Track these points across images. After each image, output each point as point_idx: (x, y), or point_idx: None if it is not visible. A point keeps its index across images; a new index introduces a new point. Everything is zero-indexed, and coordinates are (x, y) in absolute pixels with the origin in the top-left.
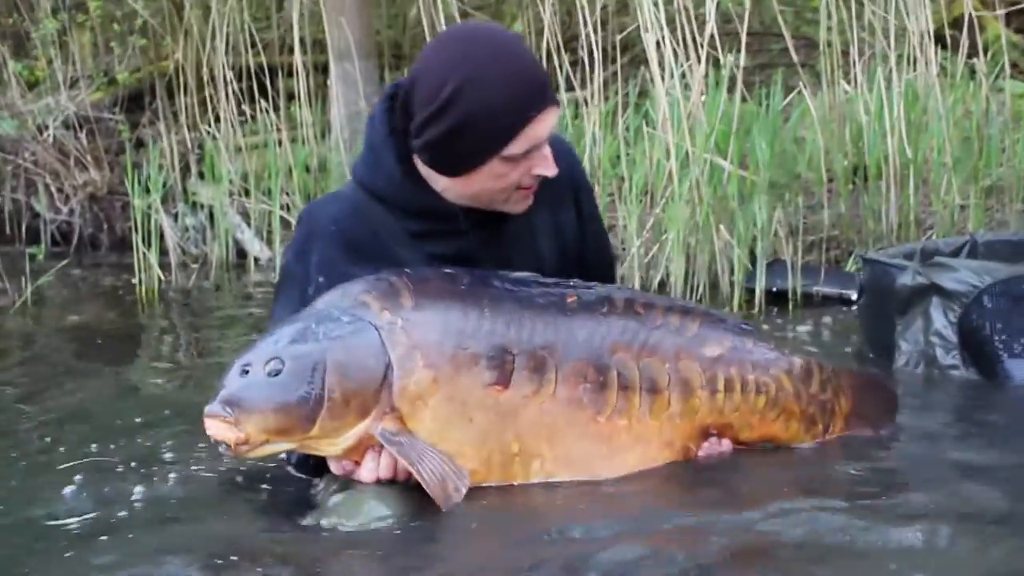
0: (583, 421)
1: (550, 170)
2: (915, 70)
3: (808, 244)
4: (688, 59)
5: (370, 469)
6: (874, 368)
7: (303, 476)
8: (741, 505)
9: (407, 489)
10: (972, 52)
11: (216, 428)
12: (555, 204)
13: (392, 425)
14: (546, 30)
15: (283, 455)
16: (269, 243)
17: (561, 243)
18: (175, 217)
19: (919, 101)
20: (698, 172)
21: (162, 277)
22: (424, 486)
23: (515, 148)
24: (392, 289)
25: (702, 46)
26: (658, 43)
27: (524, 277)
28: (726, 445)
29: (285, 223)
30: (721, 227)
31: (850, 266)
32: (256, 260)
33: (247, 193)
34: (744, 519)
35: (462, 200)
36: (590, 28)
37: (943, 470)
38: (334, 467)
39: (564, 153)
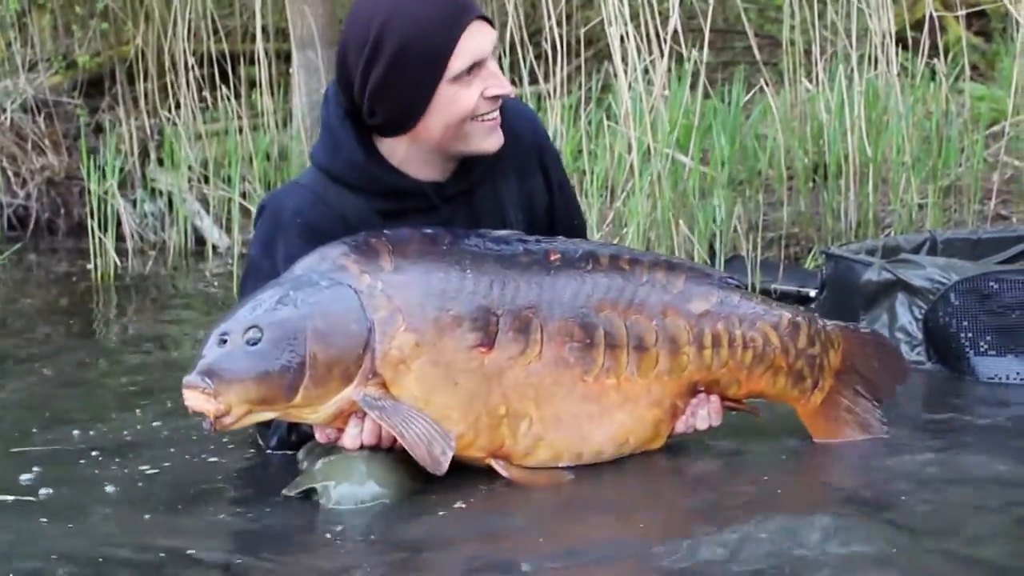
0: (570, 381)
1: (503, 88)
2: (876, 69)
3: (767, 240)
4: (651, 54)
5: (353, 436)
6: None
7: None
8: (708, 520)
9: (396, 463)
10: (933, 53)
11: (195, 399)
12: (521, 172)
13: (375, 391)
14: (510, 22)
15: (261, 441)
16: (228, 231)
17: (530, 211)
18: (133, 203)
19: (879, 101)
20: (659, 167)
21: (118, 263)
22: (409, 450)
23: (458, 64)
24: (371, 251)
25: (665, 41)
26: (622, 37)
27: (506, 235)
28: (714, 401)
29: (244, 211)
30: (680, 222)
31: (809, 263)
32: (214, 248)
33: (206, 180)
34: (705, 533)
35: (428, 164)
36: (553, 21)
37: (909, 467)
38: (318, 435)
39: (526, 119)
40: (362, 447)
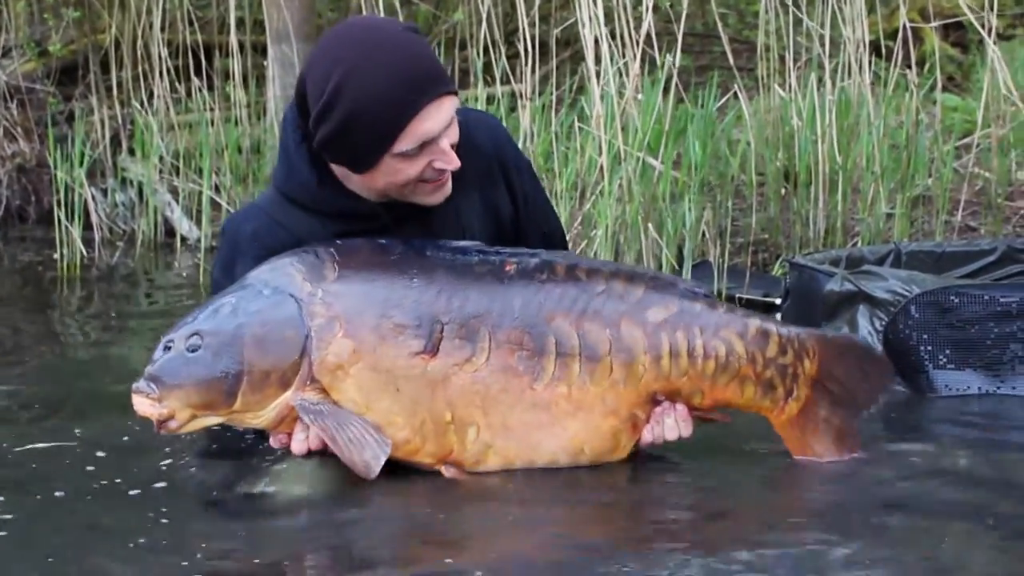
0: (518, 389)
1: (450, 164)
2: (849, 78)
3: (736, 246)
4: (624, 57)
5: (299, 441)
6: None
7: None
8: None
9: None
10: (907, 64)
11: (141, 405)
12: (483, 182)
13: (313, 395)
14: (484, 22)
15: None
16: (198, 222)
17: (495, 221)
18: (104, 192)
19: (851, 109)
20: (630, 170)
21: (84, 253)
22: (339, 455)
23: (404, 144)
24: (316, 261)
25: (638, 44)
26: (596, 40)
27: (466, 246)
28: (680, 410)
29: (215, 204)
30: (650, 226)
31: (776, 270)
32: (184, 239)
33: (178, 172)
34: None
35: (374, 195)
36: (527, 22)
37: (867, 480)
38: (272, 441)
39: (488, 129)
40: (310, 453)
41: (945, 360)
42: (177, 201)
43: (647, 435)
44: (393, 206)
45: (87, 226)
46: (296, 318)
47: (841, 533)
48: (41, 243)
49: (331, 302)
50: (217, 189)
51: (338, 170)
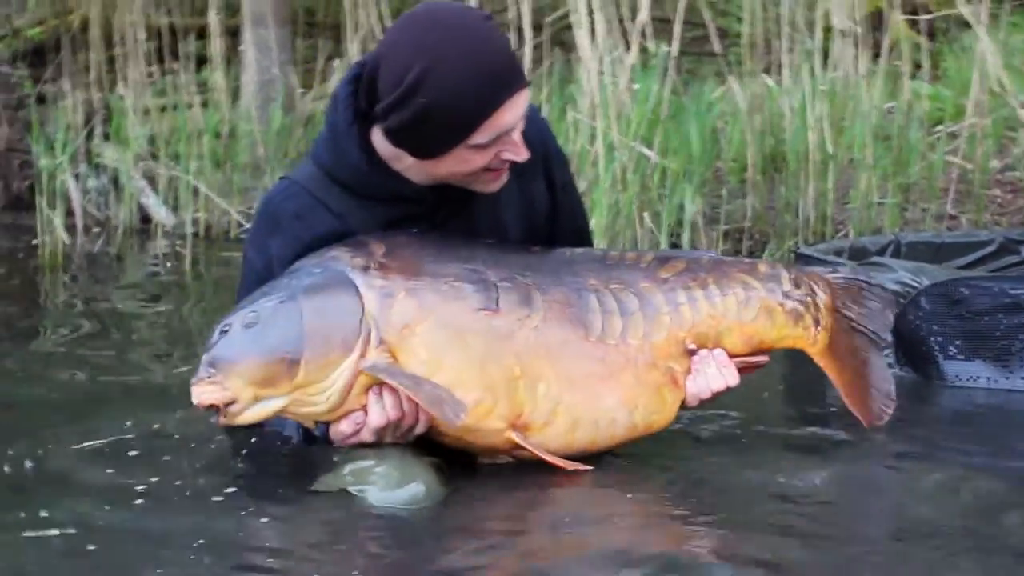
0: (576, 340)
1: (520, 155)
2: (836, 69)
3: (721, 233)
4: (617, 47)
5: (377, 411)
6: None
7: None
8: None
9: (427, 467)
10: (876, 52)
11: (202, 392)
12: (523, 176)
13: (383, 357)
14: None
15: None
16: (175, 209)
17: (529, 214)
18: (76, 178)
19: (837, 97)
20: (624, 159)
21: (67, 241)
22: (425, 405)
23: (480, 137)
24: (361, 243)
25: (631, 33)
26: (591, 28)
27: (490, 240)
28: (719, 355)
29: (194, 190)
30: (645, 215)
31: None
32: (161, 226)
33: (154, 157)
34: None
35: (429, 179)
36: (519, 6)
37: (881, 472)
38: (344, 425)
39: (532, 122)
40: (387, 425)
41: (955, 351)
42: (153, 188)
43: (691, 387)
44: (436, 189)
45: (66, 213)
46: (353, 286)
47: (839, 524)
48: (15, 230)
49: (386, 271)
50: (202, 174)
51: (386, 151)
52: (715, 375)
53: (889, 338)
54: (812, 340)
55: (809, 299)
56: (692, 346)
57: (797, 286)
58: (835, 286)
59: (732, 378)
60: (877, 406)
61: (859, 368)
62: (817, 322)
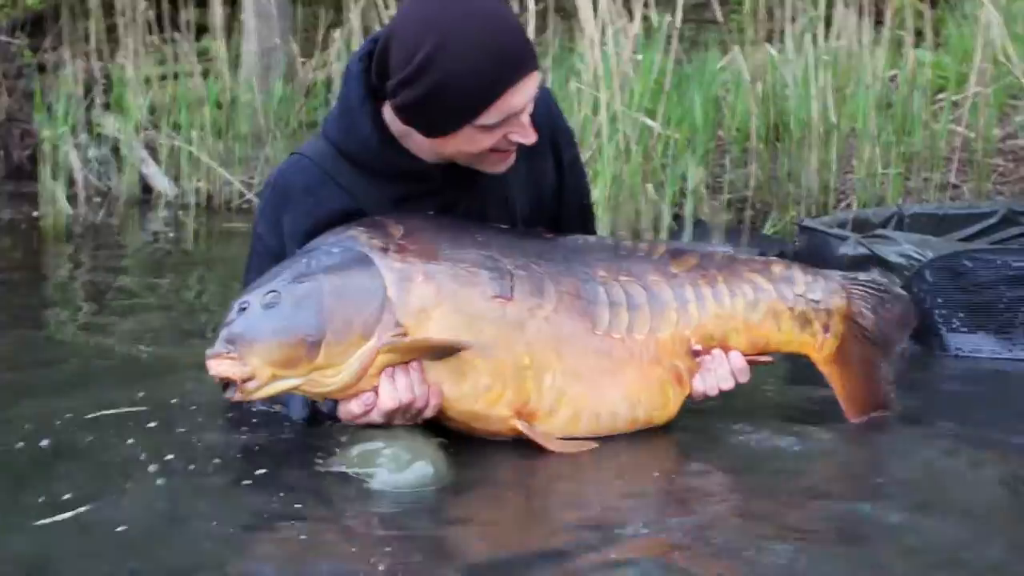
0: (584, 333)
1: (528, 138)
2: (839, 38)
3: (725, 204)
4: (621, 17)
5: (388, 392)
6: None
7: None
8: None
9: (436, 451)
10: (879, 19)
11: (220, 367)
12: (532, 152)
13: (398, 337)
14: None
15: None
16: (176, 179)
17: (536, 191)
18: (76, 148)
19: (839, 66)
20: (628, 130)
21: (70, 211)
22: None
23: (489, 118)
24: (379, 224)
25: (634, 2)
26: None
27: (504, 225)
28: (735, 358)
29: (195, 160)
30: (648, 186)
31: (768, 229)
32: (162, 196)
33: (155, 127)
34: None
35: (437, 157)
36: None
37: (888, 443)
38: (353, 406)
39: (542, 98)
40: (398, 407)
41: (959, 323)
42: (155, 158)
43: (699, 385)
44: (445, 167)
45: (67, 183)
46: (374, 268)
47: (852, 500)
48: (16, 199)
49: (404, 253)
50: (204, 144)
51: (397, 128)
52: (725, 376)
53: (905, 348)
54: (818, 347)
55: (821, 304)
56: (697, 346)
57: (811, 290)
58: (852, 292)
59: (743, 377)
60: (869, 411)
61: (863, 377)
62: (827, 328)
